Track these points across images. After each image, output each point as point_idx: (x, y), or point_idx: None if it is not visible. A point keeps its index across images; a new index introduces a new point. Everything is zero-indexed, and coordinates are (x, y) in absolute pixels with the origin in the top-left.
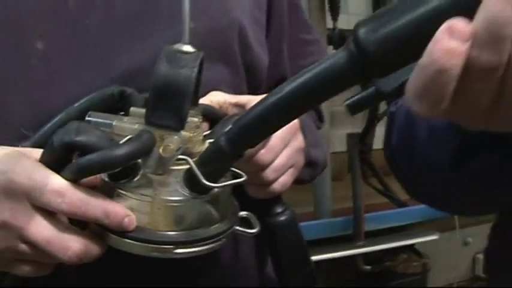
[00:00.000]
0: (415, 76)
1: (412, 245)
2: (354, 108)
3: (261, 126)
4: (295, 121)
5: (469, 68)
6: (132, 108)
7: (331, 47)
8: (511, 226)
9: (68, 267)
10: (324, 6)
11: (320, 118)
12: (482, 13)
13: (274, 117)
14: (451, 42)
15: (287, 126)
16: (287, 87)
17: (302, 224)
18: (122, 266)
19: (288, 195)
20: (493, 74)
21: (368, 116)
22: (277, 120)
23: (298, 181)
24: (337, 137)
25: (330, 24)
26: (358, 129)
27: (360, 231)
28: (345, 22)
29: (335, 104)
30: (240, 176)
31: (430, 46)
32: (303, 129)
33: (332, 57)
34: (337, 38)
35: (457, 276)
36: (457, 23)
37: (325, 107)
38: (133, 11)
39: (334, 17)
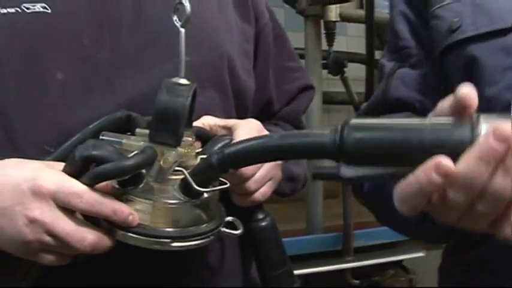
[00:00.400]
0: (402, 186)
1: (399, 261)
2: (317, 178)
3: (247, 158)
4: None
5: (443, 196)
6: (137, 129)
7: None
8: (464, 246)
9: (81, 258)
10: (319, 32)
11: None
12: (462, 166)
13: (258, 156)
14: (434, 175)
15: None
16: (276, 138)
17: (295, 238)
18: (117, 267)
19: (283, 212)
20: (459, 205)
21: None
22: (259, 159)
23: (280, 194)
24: None
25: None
26: None
27: (349, 246)
28: (344, 44)
29: (331, 124)
30: (224, 184)
31: (419, 171)
32: None
33: (321, 134)
34: (331, 64)
35: None
36: (445, 163)
37: (320, 126)
38: (137, 47)
39: (330, 43)
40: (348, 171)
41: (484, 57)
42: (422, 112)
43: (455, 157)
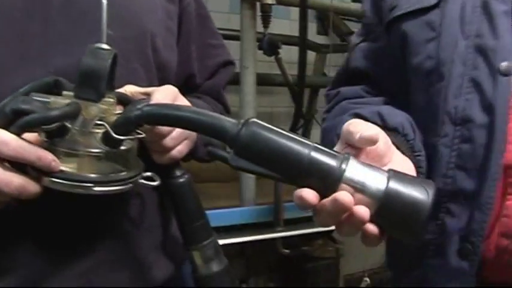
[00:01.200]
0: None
1: (328, 232)
2: (210, 155)
3: (160, 119)
4: (189, 104)
5: None
6: (64, 92)
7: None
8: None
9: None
10: (255, 15)
11: (226, 109)
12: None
13: (169, 120)
14: (302, 203)
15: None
16: (190, 110)
17: (230, 210)
18: (41, 218)
19: (219, 190)
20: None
21: (294, 114)
22: (170, 123)
23: (199, 159)
24: None
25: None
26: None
27: (279, 218)
28: (287, 27)
29: (276, 105)
30: (141, 134)
31: (295, 193)
32: None
33: (228, 121)
34: (266, 45)
35: (368, 264)
36: (308, 197)
37: (267, 106)
38: (67, 23)
39: (265, 25)
40: (236, 160)
41: (412, 32)
42: (377, 80)
43: (324, 182)
